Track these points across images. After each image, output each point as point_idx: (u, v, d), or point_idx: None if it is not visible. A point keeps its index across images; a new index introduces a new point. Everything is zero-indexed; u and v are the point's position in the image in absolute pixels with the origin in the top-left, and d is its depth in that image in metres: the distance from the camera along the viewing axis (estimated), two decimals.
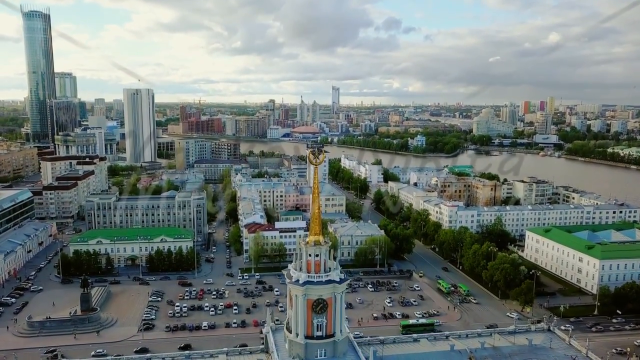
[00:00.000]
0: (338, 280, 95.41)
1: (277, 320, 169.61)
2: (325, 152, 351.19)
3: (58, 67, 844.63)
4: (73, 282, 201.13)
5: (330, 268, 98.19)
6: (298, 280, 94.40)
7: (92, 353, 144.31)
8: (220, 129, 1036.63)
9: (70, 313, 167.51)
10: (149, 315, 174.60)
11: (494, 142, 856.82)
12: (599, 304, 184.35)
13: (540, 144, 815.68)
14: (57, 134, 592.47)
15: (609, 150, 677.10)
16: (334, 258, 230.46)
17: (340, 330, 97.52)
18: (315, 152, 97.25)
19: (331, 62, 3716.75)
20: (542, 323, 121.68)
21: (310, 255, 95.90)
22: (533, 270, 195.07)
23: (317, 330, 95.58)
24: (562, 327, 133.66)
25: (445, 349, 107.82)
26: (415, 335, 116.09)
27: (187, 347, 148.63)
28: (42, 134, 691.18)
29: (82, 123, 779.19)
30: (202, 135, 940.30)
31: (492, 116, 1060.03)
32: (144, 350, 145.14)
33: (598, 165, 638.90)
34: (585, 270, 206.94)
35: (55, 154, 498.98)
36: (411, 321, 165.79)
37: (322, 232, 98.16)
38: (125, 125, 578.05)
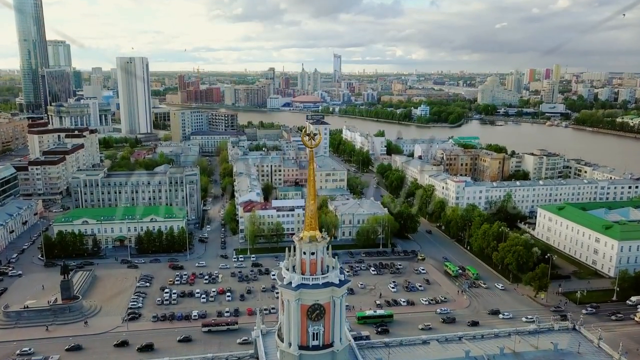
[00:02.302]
0: (337, 282, 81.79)
1: (272, 308, 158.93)
2: (326, 123, 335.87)
3: (54, 36, 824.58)
4: (57, 265, 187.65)
5: (328, 267, 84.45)
6: (290, 283, 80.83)
7: (17, 352, 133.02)
8: (219, 98, 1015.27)
9: (48, 302, 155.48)
10: (135, 303, 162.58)
11: (499, 112, 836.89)
12: (618, 289, 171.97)
13: (546, 114, 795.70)
14: (50, 105, 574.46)
15: (618, 119, 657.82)
16: (334, 238, 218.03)
17: (340, 339, 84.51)
18: (311, 133, 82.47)
19: (334, 29, 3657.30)
20: (567, 321, 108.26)
21: (305, 253, 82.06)
22: (549, 254, 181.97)
23: (313, 340, 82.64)
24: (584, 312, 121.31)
25: (459, 354, 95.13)
26: (424, 337, 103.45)
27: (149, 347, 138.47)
28: (35, 104, 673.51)
29: (77, 93, 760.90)
30: (200, 105, 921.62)
31: (497, 85, 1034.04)
32: (76, 348, 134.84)
33: (606, 136, 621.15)
34: (602, 251, 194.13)
35: (49, 125, 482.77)
36: (367, 312, 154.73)
37: (317, 226, 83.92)
38: (119, 95, 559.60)
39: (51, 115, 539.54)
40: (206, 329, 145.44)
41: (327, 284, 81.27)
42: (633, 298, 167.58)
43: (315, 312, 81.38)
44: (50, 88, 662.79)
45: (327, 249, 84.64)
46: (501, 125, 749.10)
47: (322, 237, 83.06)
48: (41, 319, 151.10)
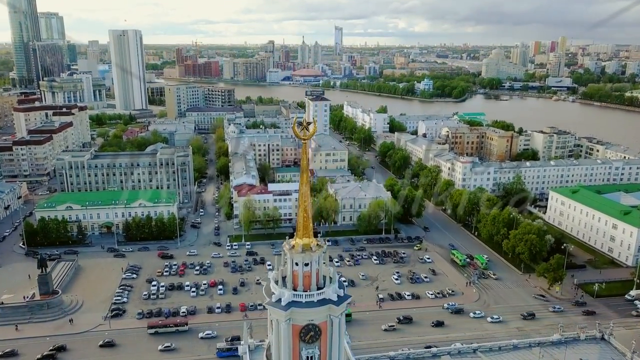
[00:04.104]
0: (335, 299, 69.01)
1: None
2: (326, 99, 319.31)
3: (49, 7, 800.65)
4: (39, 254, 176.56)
5: (325, 278, 71.53)
6: (280, 300, 68.13)
7: None
8: (217, 72, 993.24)
9: (25, 297, 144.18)
10: (120, 297, 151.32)
11: (504, 86, 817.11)
12: (638, 280, 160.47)
13: (552, 88, 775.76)
14: (42, 79, 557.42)
15: (627, 94, 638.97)
16: (334, 223, 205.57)
17: None
18: (304, 122, 68.81)
19: (336, 1, 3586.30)
20: (594, 331, 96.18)
21: (297, 264, 69.17)
22: (565, 244, 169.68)
23: None
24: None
25: None
26: (434, 350, 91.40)
27: None
28: (28, 79, 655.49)
29: (71, 67, 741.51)
30: (198, 79, 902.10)
31: (502, 58, 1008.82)
32: (9, 354, 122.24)
33: (615, 111, 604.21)
34: (620, 239, 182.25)
35: (37, 102, 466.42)
36: None
37: (312, 232, 70.92)
38: (113, 70, 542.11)
39: (44, 91, 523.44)
40: (152, 330, 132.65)
41: (323, 302, 68.51)
42: (632, 292, 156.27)
43: (309, 334, 68.93)
44: (43, 62, 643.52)
45: (324, 258, 71.70)
46: (506, 99, 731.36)
47: (317, 245, 70.04)
48: (17, 316, 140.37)
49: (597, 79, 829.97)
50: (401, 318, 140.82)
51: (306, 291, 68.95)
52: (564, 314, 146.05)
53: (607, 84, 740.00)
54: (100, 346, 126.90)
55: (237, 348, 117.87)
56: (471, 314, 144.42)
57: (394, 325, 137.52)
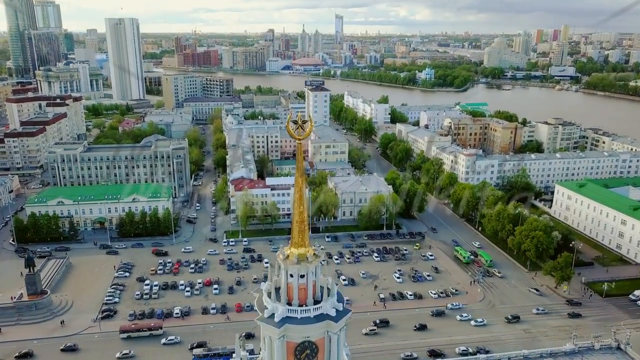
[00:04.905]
0: (334, 314, 63.00)
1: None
2: (326, 89, 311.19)
3: None
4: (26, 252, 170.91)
5: (322, 289, 65.47)
6: (273, 316, 62.18)
7: None
8: (216, 61, 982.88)
9: (12, 298, 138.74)
10: (111, 297, 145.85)
11: (506, 75, 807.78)
12: None
13: (555, 77, 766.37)
14: (38, 69, 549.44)
15: (631, 83, 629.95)
16: (334, 218, 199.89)
17: None
18: (298, 120, 62.51)
19: None
20: (609, 339, 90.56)
21: (291, 276, 63.14)
22: (573, 242, 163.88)
23: None
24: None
25: None
26: None
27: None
28: (24, 68, 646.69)
29: (68, 56, 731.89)
30: (198, 68, 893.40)
31: (504, 47, 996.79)
32: None
33: (619, 101, 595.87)
34: (629, 235, 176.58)
35: (39, 91, 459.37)
36: None
37: (308, 241, 64.89)
38: (109, 59, 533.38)
39: (40, 81, 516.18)
40: (125, 335, 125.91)
41: (320, 317, 62.41)
42: (637, 292, 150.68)
43: (305, 352, 63.06)
44: (39, 51, 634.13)
45: (321, 268, 65.68)
46: (508, 89, 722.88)
47: (314, 254, 63.81)
48: (4, 317, 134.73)
49: (600, 68, 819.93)
50: (378, 322, 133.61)
51: (302, 305, 62.97)
52: (550, 317, 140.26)
53: (611, 73, 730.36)
54: (62, 350, 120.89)
55: (214, 354, 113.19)
56: (458, 317, 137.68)
57: (375, 330, 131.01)
